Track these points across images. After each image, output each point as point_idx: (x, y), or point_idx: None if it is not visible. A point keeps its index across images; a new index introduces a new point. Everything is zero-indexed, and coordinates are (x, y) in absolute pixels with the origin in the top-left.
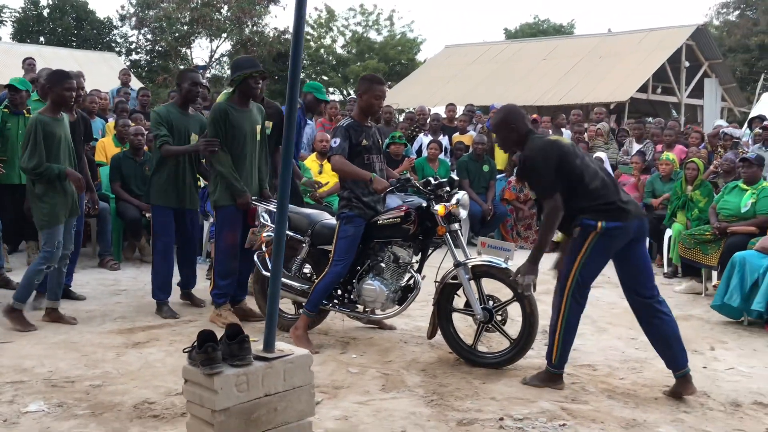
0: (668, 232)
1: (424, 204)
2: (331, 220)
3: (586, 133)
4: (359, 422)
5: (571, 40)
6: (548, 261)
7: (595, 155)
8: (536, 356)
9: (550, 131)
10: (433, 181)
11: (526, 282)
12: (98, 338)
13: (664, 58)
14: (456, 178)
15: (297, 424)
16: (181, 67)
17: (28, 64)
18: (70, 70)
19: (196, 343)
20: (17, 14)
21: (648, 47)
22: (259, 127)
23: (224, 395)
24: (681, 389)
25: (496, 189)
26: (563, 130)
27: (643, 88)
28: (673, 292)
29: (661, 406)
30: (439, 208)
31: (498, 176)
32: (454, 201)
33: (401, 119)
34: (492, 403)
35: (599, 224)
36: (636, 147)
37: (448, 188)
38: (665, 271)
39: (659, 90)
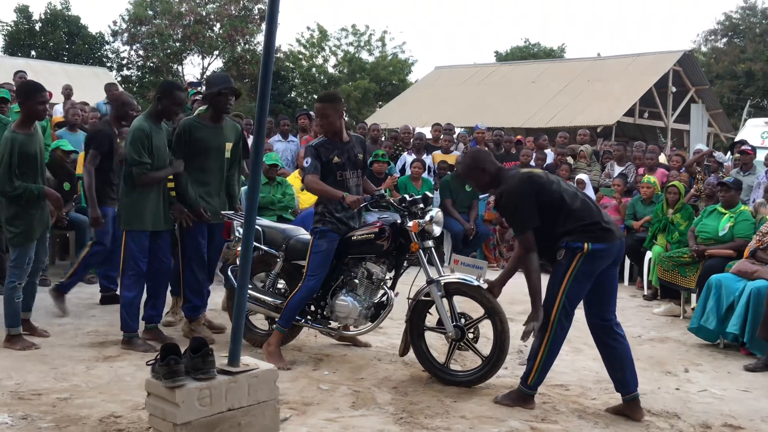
0: (648, 255)
1: (399, 220)
2: (306, 236)
3: (571, 156)
4: None
5: (560, 64)
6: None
7: (577, 177)
8: (509, 375)
9: (534, 153)
10: (408, 198)
11: (530, 329)
12: (69, 351)
13: (652, 83)
14: (431, 195)
15: None
16: None
17: (19, 77)
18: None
19: (159, 356)
20: (9, 28)
21: (636, 72)
22: (230, 144)
23: (186, 409)
24: (629, 412)
25: (479, 209)
26: (546, 151)
27: (630, 112)
28: (651, 314)
29: (631, 428)
30: (413, 225)
31: (481, 196)
32: (427, 218)
33: (384, 138)
34: (462, 422)
35: (586, 245)
36: (618, 169)
37: (422, 205)
38: (645, 293)
39: (646, 114)
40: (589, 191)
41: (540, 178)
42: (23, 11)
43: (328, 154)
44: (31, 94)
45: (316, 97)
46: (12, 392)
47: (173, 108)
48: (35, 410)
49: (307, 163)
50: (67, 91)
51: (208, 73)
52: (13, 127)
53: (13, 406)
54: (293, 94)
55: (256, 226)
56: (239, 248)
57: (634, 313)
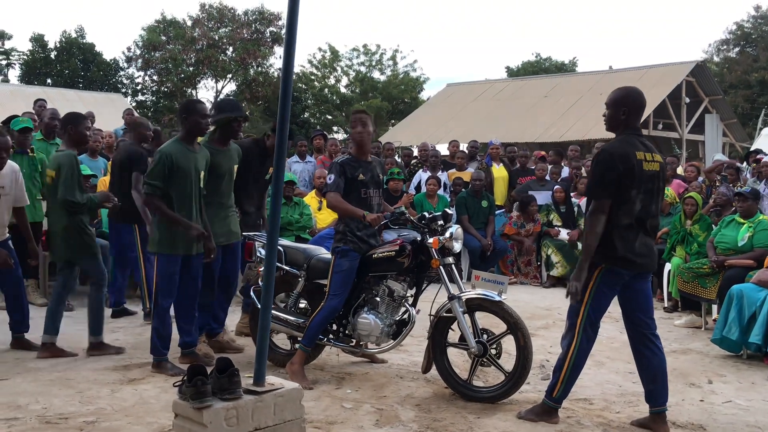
0: (667, 267)
1: (419, 238)
2: (327, 255)
3: (583, 168)
4: None
5: (573, 78)
6: (548, 296)
7: None
8: (531, 390)
9: (550, 167)
10: (427, 215)
11: (572, 288)
12: (94, 375)
13: (665, 95)
14: (450, 212)
15: None
16: None
17: (39, 105)
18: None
19: (186, 377)
20: (25, 57)
21: (648, 83)
22: (236, 167)
23: (214, 429)
24: (653, 426)
25: (497, 224)
26: (563, 165)
27: (644, 124)
28: (672, 326)
29: None
30: (433, 242)
31: (497, 211)
32: (447, 234)
33: (397, 156)
34: None
35: (603, 265)
36: None
37: (441, 222)
38: (665, 305)
39: (660, 126)
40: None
41: (636, 166)
42: (39, 40)
43: (354, 171)
44: (77, 121)
45: (329, 117)
46: (39, 416)
47: (200, 122)
48: None
49: (330, 179)
50: (90, 118)
51: (221, 96)
52: (64, 150)
53: (42, 431)
54: (306, 114)
55: (279, 247)
56: (261, 269)
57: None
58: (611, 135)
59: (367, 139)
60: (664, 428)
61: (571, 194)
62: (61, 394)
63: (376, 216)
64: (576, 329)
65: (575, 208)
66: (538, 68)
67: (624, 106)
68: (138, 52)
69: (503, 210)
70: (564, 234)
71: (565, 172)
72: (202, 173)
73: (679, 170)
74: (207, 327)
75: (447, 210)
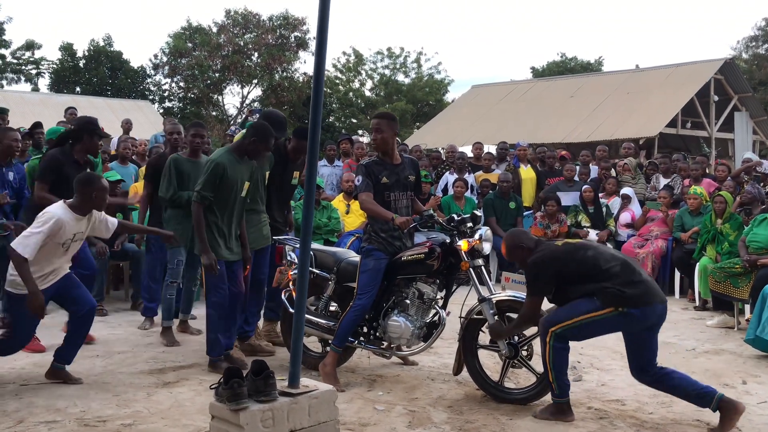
0: (698, 266)
1: (448, 240)
2: (356, 258)
3: (613, 168)
4: None
5: (599, 77)
6: None
7: (622, 191)
8: None
9: (577, 167)
10: (456, 218)
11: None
12: (129, 378)
13: (693, 93)
14: (479, 214)
15: None
16: (213, 113)
17: (70, 113)
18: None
19: (222, 380)
20: (54, 65)
21: (676, 82)
22: (267, 173)
23: (250, 430)
24: (728, 415)
25: (524, 226)
26: (591, 166)
27: (672, 123)
28: (705, 326)
29: None
30: (462, 244)
31: (525, 213)
32: (477, 236)
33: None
34: None
35: (620, 309)
36: (664, 181)
37: (471, 224)
38: (696, 304)
39: (689, 125)
40: (635, 205)
41: (569, 251)
42: (68, 49)
43: (377, 173)
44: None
45: (354, 120)
46: (78, 419)
47: (264, 153)
48: None
49: (358, 181)
50: (127, 126)
51: (247, 101)
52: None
53: None
54: (331, 118)
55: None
56: (292, 272)
57: (687, 325)
58: (639, 135)
59: (383, 143)
60: (738, 407)
61: (600, 195)
62: (98, 398)
63: (405, 219)
64: (548, 336)
65: (604, 209)
66: (563, 68)
67: (519, 244)
68: (164, 59)
69: (531, 211)
70: (593, 235)
71: (594, 172)
72: (247, 183)
73: (709, 170)
74: (239, 330)
75: (476, 212)
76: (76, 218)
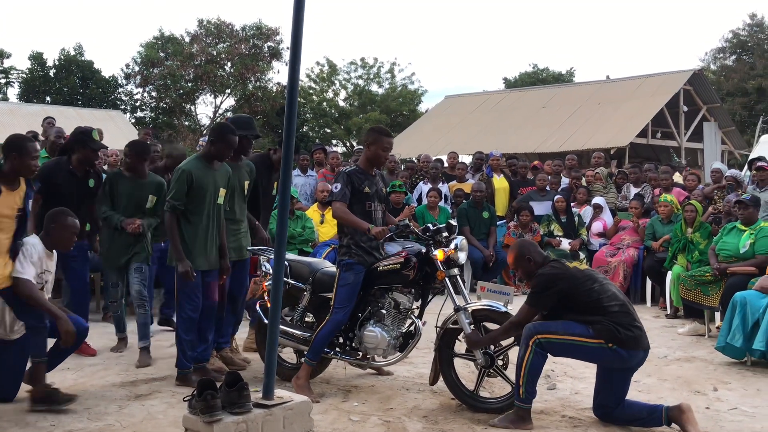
0: (669, 275)
1: (423, 250)
2: (332, 268)
3: (584, 178)
4: None
5: (570, 88)
6: None
7: (594, 200)
8: (537, 401)
9: (549, 177)
10: (431, 227)
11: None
12: (101, 391)
13: (663, 103)
14: (454, 223)
15: None
16: (186, 123)
17: (48, 123)
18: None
19: (195, 392)
20: (24, 75)
21: (646, 93)
22: (247, 183)
23: None
24: (680, 418)
25: (498, 235)
26: (561, 176)
27: (642, 133)
28: (676, 334)
29: None
30: (438, 254)
31: (498, 222)
32: (452, 246)
33: (402, 169)
34: None
35: (610, 345)
36: (634, 191)
37: (446, 233)
38: (667, 312)
39: (659, 135)
40: (606, 215)
41: (579, 278)
42: (37, 58)
43: (360, 183)
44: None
45: (328, 130)
46: None
47: (226, 152)
48: None
49: (336, 188)
50: (99, 136)
51: (220, 111)
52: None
53: None
54: (305, 128)
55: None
56: (266, 283)
57: (659, 333)
58: (610, 144)
59: (384, 161)
60: (683, 407)
61: (571, 204)
62: (69, 411)
63: (381, 229)
64: (530, 343)
65: (576, 218)
66: (535, 79)
67: (527, 256)
68: (136, 68)
69: (505, 221)
70: (565, 244)
71: (565, 182)
72: (222, 191)
73: (677, 178)
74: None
75: (451, 222)
76: (46, 253)
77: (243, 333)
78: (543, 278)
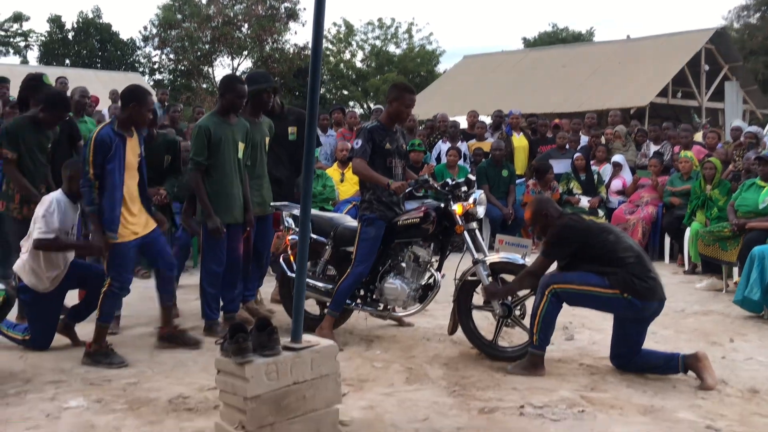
0: (688, 231)
1: (443, 204)
2: (353, 223)
3: (603, 136)
4: (384, 411)
5: (590, 48)
6: None
7: (613, 158)
8: (556, 350)
9: (569, 133)
10: (450, 182)
11: (488, 297)
12: (133, 340)
13: (684, 62)
14: (473, 178)
15: (325, 411)
16: (204, 85)
17: (60, 82)
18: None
19: (227, 335)
20: (43, 38)
21: (667, 52)
22: (267, 139)
23: (255, 383)
24: (697, 366)
25: (517, 193)
26: (581, 134)
27: (663, 93)
28: (694, 289)
29: (679, 394)
30: (457, 208)
31: (518, 181)
32: (471, 200)
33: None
34: (513, 393)
35: (625, 295)
36: (654, 149)
37: (465, 188)
38: (685, 269)
39: (680, 94)
40: (626, 173)
41: (594, 230)
42: (56, 21)
43: (381, 139)
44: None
45: (345, 92)
46: (83, 379)
47: (237, 101)
48: (108, 394)
49: (357, 144)
50: (114, 96)
51: (237, 73)
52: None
53: (87, 392)
54: (323, 90)
55: None
56: (289, 237)
57: (677, 289)
58: (630, 104)
59: (407, 118)
60: (699, 355)
61: (591, 162)
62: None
63: (401, 184)
64: (546, 292)
65: (595, 176)
66: (555, 39)
67: (544, 212)
68: (154, 31)
69: (524, 179)
70: (584, 201)
71: (584, 140)
72: (241, 144)
73: (698, 137)
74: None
75: (470, 176)
76: (71, 205)
77: (268, 287)
78: (558, 229)
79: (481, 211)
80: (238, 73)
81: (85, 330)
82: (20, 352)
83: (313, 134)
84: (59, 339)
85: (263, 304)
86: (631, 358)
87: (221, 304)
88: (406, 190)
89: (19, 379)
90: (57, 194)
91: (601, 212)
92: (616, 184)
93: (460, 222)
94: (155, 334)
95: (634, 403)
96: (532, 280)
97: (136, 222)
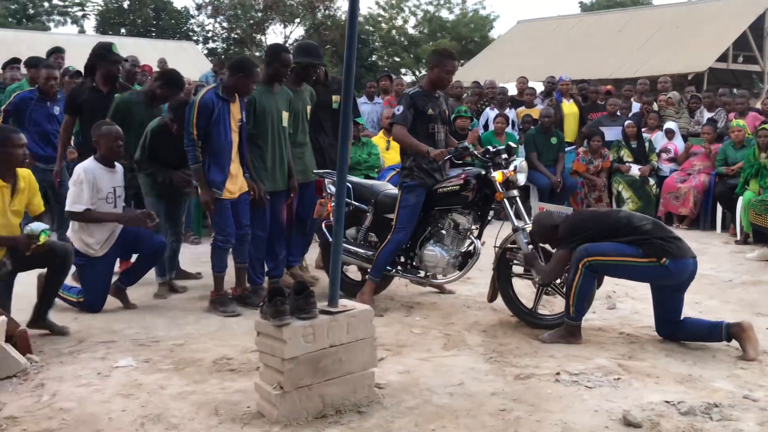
0: (740, 201)
1: (483, 172)
2: (393, 190)
3: (656, 103)
4: (420, 375)
5: (648, 11)
6: None
7: (665, 125)
8: (597, 318)
9: (620, 101)
10: (491, 149)
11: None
12: (181, 304)
13: (746, 26)
14: (514, 145)
15: (360, 373)
16: (257, 53)
17: None
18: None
19: (266, 299)
20: (99, 7)
21: (728, 15)
22: (309, 107)
23: (293, 345)
24: (741, 336)
25: (566, 161)
26: (632, 101)
27: (723, 58)
28: (744, 259)
29: (718, 363)
30: (497, 175)
31: (567, 148)
32: (511, 167)
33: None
34: (550, 360)
35: (663, 260)
36: (707, 116)
37: (505, 155)
38: (737, 238)
39: (741, 59)
40: (678, 140)
41: (602, 214)
42: None
43: (424, 105)
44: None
45: (397, 59)
46: (133, 340)
47: (282, 70)
48: (155, 354)
49: (398, 111)
50: (162, 65)
51: (290, 41)
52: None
53: (136, 352)
54: (374, 57)
55: (347, 183)
56: (331, 204)
57: (727, 258)
58: (688, 70)
59: (447, 83)
60: (744, 325)
61: (642, 129)
62: (151, 321)
63: (440, 151)
64: (580, 265)
65: (646, 144)
66: (612, 2)
67: (549, 224)
68: None
69: (573, 147)
70: (635, 170)
71: (636, 107)
72: (285, 113)
73: (758, 104)
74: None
75: (511, 144)
76: (105, 170)
77: (314, 253)
78: (566, 225)
79: (521, 178)
80: (290, 41)
81: (135, 293)
82: (74, 313)
83: (349, 103)
84: (111, 301)
85: (308, 270)
86: (675, 327)
87: (266, 269)
88: (446, 158)
89: (72, 339)
90: (86, 163)
91: (651, 180)
92: (668, 151)
93: (500, 189)
94: (204, 297)
95: (671, 371)
96: (564, 266)
97: (233, 182)
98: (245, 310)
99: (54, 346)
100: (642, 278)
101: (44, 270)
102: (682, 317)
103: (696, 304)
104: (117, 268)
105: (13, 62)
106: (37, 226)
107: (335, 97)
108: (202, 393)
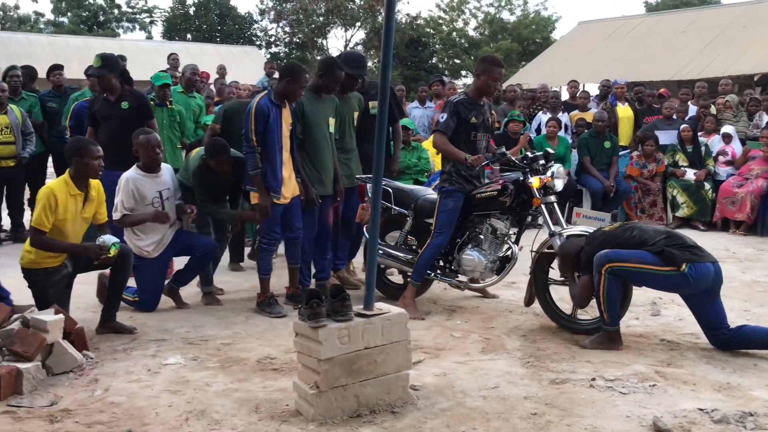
0: None
1: (521, 177)
2: (433, 195)
3: (713, 107)
4: (456, 378)
5: (713, 10)
6: None
7: (723, 130)
8: (639, 325)
9: (676, 104)
10: (529, 155)
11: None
12: (231, 304)
13: None
14: (551, 151)
15: (395, 375)
16: (318, 57)
17: (173, 59)
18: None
19: (304, 301)
20: (166, 14)
21: None
22: (356, 113)
23: (328, 346)
24: None
25: (620, 165)
26: (689, 104)
27: None
28: None
29: (760, 372)
30: (534, 181)
31: (621, 152)
32: (549, 174)
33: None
34: (587, 366)
35: (683, 267)
36: (766, 119)
37: (543, 161)
38: None
39: None
40: (736, 144)
41: (617, 233)
42: None
43: (467, 113)
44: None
45: (457, 61)
46: (183, 338)
47: (333, 85)
48: (203, 353)
49: (442, 118)
50: (221, 71)
51: (351, 45)
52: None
53: (185, 350)
54: (434, 59)
55: (387, 188)
56: None
57: None
58: (754, 71)
59: (493, 91)
60: None
61: (699, 133)
62: (202, 321)
63: (477, 157)
64: (603, 271)
65: (702, 148)
66: (678, 2)
67: (573, 253)
68: (270, 4)
69: (628, 150)
70: (690, 174)
71: (693, 110)
72: (332, 120)
73: None
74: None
75: (548, 150)
76: (148, 177)
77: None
78: (585, 255)
79: (559, 184)
80: (350, 45)
81: (185, 292)
82: (130, 312)
83: (384, 109)
84: (165, 301)
85: (355, 273)
86: (722, 334)
87: (313, 272)
88: (483, 163)
89: (126, 337)
90: (129, 172)
91: (707, 185)
92: (725, 155)
93: (537, 195)
94: (252, 299)
95: (709, 379)
96: (592, 289)
97: (286, 187)
98: (293, 312)
99: (109, 344)
100: (665, 287)
101: (104, 270)
102: (739, 325)
103: (745, 312)
104: None
105: (55, 68)
106: (109, 238)
107: (372, 104)
108: (244, 391)
